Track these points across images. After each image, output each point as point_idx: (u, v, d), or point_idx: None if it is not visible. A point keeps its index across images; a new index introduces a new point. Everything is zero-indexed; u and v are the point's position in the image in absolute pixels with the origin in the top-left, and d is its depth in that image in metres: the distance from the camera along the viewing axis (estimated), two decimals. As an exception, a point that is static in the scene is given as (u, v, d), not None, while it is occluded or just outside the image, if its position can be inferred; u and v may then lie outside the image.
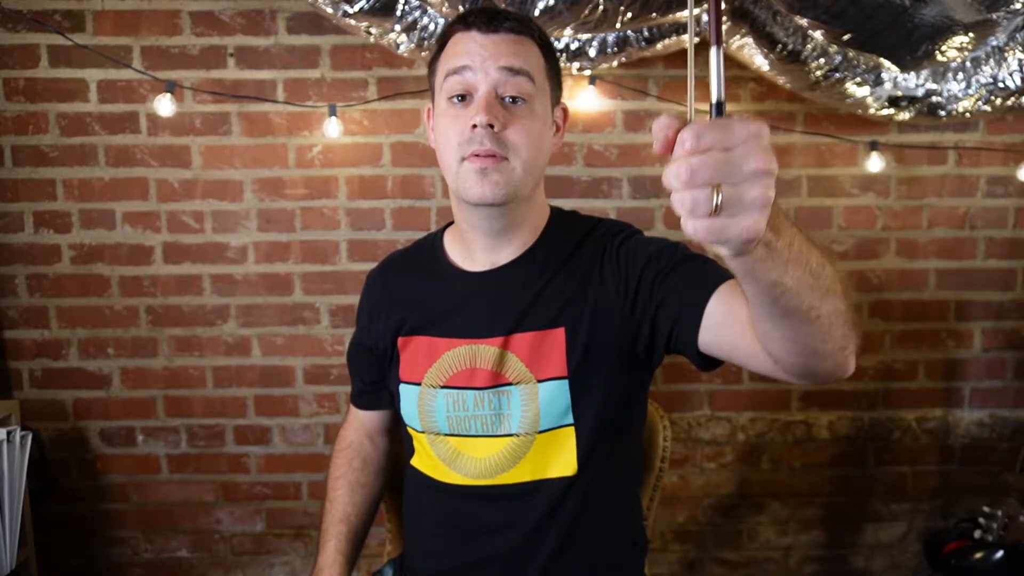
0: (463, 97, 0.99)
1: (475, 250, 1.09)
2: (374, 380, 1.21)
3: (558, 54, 1.85)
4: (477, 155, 0.97)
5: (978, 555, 1.73)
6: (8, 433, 1.76)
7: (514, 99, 0.98)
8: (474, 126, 0.96)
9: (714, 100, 0.54)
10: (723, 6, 1.76)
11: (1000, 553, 1.71)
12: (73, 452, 2.18)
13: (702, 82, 2.32)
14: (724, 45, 1.89)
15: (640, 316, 1.00)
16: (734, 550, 2.31)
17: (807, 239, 0.65)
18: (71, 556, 2.21)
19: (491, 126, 0.95)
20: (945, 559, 1.79)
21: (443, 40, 1.04)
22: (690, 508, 2.28)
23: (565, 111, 1.10)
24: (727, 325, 0.87)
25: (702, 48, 2.02)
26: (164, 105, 1.95)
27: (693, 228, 0.51)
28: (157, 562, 2.24)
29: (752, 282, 0.64)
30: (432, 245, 1.17)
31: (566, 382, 1.03)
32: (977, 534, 1.75)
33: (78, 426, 2.17)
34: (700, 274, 0.94)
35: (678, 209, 0.51)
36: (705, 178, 0.49)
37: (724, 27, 1.82)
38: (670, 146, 0.51)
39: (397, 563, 1.26)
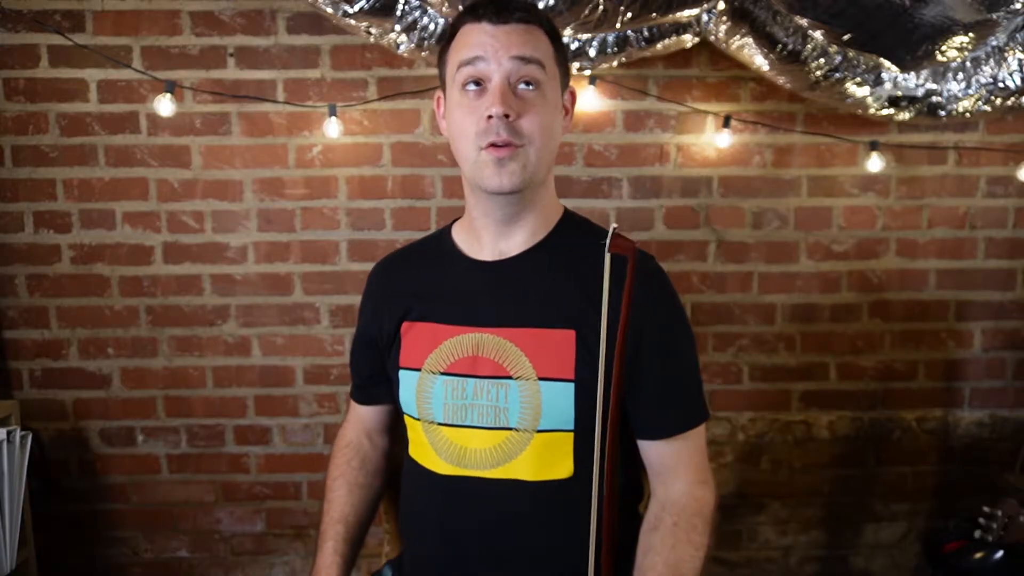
0: (478, 83, 1.00)
1: (484, 238, 1.09)
2: (373, 372, 1.21)
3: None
4: (494, 145, 0.99)
5: (978, 555, 1.73)
6: (8, 433, 1.76)
7: (527, 83, 1.00)
8: (490, 116, 0.98)
9: None
10: (725, 11, 1.76)
11: (1000, 553, 1.71)
12: (73, 452, 2.18)
13: (702, 82, 2.30)
14: (724, 46, 1.89)
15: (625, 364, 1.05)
16: (734, 550, 2.31)
17: None
18: (71, 556, 2.21)
19: (507, 116, 0.98)
20: (945, 559, 1.79)
21: (452, 32, 1.05)
22: (690, 508, 2.28)
23: (573, 94, 1.12)
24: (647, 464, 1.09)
25: (702, 47, 2.02)
26: (164, 105, 1.95)
27: None
28: (157, 562, 2.24)
29: None
30: (439, 237, 1.18)
31: (572, 385, 1.03)
32: (977, 534, 1.75)
33: (78, 426, 2.17)
34: (673, 408, 1.06)
35: None
36: None
37: (724, 27, 1.82)
38: None
39: (396, 563, 1.26)
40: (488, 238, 1.09)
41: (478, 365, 1.05)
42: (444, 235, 1.17)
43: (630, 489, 1.16)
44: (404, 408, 1.13)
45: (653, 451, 1.07)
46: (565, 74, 1.08)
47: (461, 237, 1.14)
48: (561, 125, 1.08)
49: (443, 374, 1.07)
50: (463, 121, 1.01)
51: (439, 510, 1.10)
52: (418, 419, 1.11)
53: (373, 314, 1.18)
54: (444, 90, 1.08)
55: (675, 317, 1.09)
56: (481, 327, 1.06)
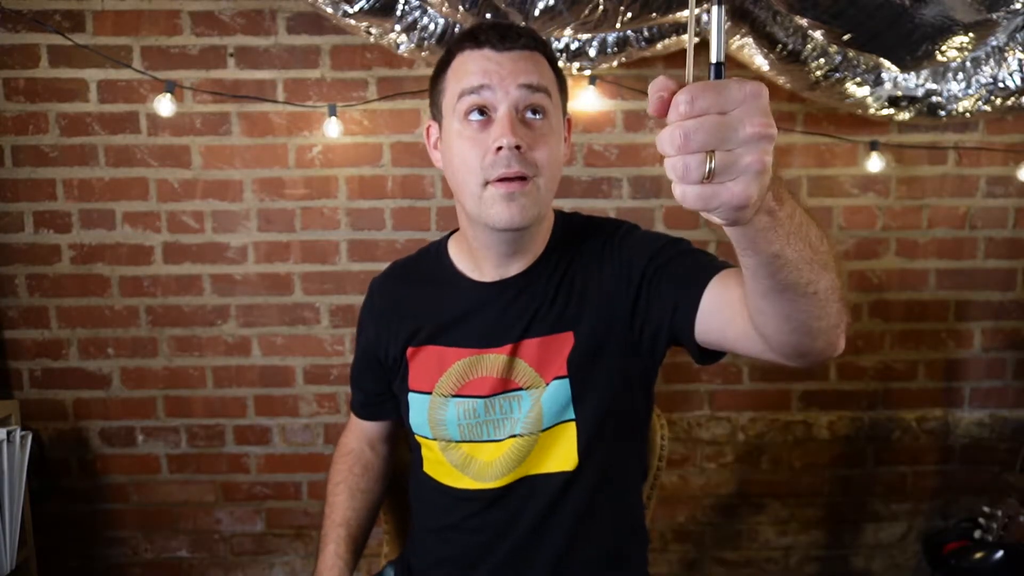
0: (482, 112, 0.96)
1: (484, 264, 1.08)
2: (380, 391, 1.21)
3: (558, 54, 1.85)
4: (504, 179, 0.94)
5: (978, 555, 1.73)
6: (8, 433, 1.76)
7: (535, 112, 0.96)
8: (499, 148, 0.93)
9: (713, 61, 0.52)
10: None
11: (1000, 553, 1.71)
12: (73, 452, 2.18)
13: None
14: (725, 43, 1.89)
15: (643, 308, 1.00)
16: (734, 550, 2.31)
17: (806, 212, 0.63)
18: (71, 556, 2.21)
19: (518, 147, 0.93)
20: (945, 559, 1.79)
21: (448, 57, 1.01)
22: (690, 508, 2.28)
23: (570, 121, 1.10)
24: (719, 310, 0.88)
25: (703, 48, 2.02)
26: (164, 105, 1.95)
27: (682, 193, 0.50)
28: (157, 562, 2.24)
29: (752, 254, 0.62)
30: (437, 253, 1.15)
31: (566, 380, 1.03)
32: (977, 534, 1.75)
33: (78, 426, 2.17)
34: (698, 266, 0.95)
35: (670, 174, 0.49)
36: (699, 143, 0.48)
37: (724, 27, 1.82)
38: (665, 108, 0.50)
39: (397, 564, 1.26)
40: (489, 267, 1.07)
41: (489, 384, 1.05)
42: (441, 253, 1.14)
43: (633, 470, 1.17)
44: (416, 429, 1.13)
45: (707, 302, 0.91)
46: (565, 100, 1.06)
47: (460, 258, 1.11)
48: (564, 153, 1.04)
49: (455, 396, 1.07)
50: (466, 153, 0.96)
51: (462, 524, 1.10)
52: (433, 439, 1.10)
53: (376, 335, 1.16)
54: (438, 119, 1.03)
55: (654, 241, 1.03)
56: (488, 348, 1.06)
